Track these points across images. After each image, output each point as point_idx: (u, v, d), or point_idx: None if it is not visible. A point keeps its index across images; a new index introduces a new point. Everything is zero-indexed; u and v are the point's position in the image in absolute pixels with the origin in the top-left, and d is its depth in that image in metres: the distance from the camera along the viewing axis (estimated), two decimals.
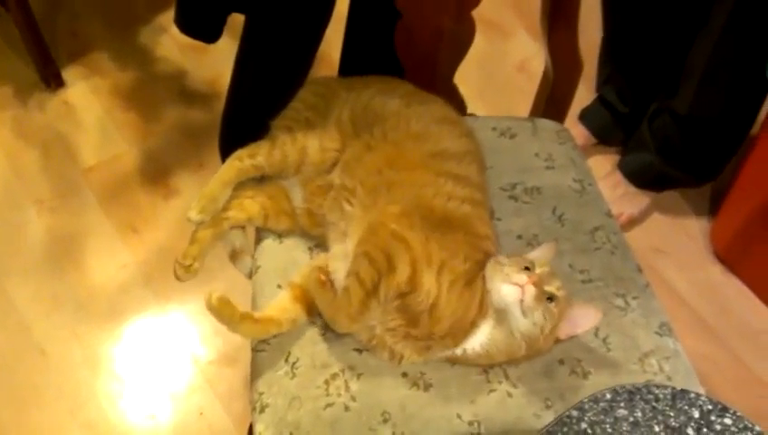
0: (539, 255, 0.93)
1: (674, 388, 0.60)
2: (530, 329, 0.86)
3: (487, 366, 0.92)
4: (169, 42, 1.99)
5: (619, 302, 1.01)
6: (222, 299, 0.91)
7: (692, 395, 0.59)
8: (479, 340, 0.89)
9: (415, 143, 0.98)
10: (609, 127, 1.83)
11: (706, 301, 1.64)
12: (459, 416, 0.90)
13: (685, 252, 1.71)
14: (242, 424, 1.43)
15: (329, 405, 0.90)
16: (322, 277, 0.90)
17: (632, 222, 1.74)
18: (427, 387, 0.92)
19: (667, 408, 0.59)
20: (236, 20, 1.14)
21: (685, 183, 1.74)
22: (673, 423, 0.60)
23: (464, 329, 0.88)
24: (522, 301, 0.85)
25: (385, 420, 0.90)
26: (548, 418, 0.89)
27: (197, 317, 1.57)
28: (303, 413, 0.90)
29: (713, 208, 1.76)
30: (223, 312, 0.91)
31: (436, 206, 0.94)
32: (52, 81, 1.89)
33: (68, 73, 1.92)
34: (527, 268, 0.88)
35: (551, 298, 0.86)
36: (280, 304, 0.96)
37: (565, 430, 0.63)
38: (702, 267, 1.69)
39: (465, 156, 1.01)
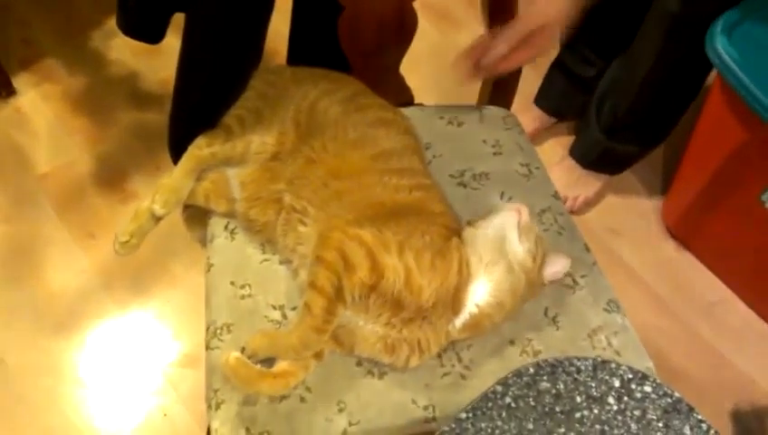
0: None
1: (595, 359, 0.62)
2: (525, 258, 0.90)
3: (498, 321, 0.93)
4: (121, 45, 1.97)
5: (568, 281, 1.03)
6: (240, 359, 0.89)
7: (612, 365, 0.61)
8: (485, 289, 0.90)
9: (355, 150, 0.99)
10: (567, 97, 1.81)
11: (661, 277, 1.67)
12: (414, 401, 0.92)
13: (639, 231, 1.74)
14: (206, 424, 1.42)
15: (284, 398, 0.91)
16: (260, 335, 0.90)
17: (588, 204, 1.76)
18: (382, 375, 0.93)
19: (589, 379, 0.60)
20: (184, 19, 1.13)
21: (631, 156, 1.73)
22: (594, 393, 0.61)
23: (451, 296, 0.88)
24: (519, 223, 0.91)
25: (341, 410, 0.91)
26: None
27: (157, 320, 1.57)
28: (259, 407, 0.91)
29: (664, 187, 1.79)
30: (240, 372, 0.89)
31: (386, 201, 0.95)
32: (3, 89, 1.86)
33: (19, 81, 1.89)
34: None
35: None
36: None
37: (490, 405, 0.65)
38: (656, 244, 1.73)
39: (405, 151, 1.03)
